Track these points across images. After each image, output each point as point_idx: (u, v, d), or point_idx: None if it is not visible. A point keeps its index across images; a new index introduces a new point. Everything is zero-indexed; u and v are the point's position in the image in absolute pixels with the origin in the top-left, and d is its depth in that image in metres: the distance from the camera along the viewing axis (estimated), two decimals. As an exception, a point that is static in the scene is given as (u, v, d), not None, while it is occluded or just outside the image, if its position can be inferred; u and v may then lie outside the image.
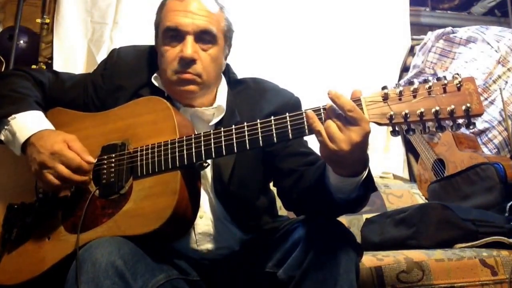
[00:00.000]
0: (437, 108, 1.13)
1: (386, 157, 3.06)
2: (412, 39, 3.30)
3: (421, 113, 1.14)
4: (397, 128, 1.20)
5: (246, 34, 2.97)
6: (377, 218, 2.35)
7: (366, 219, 2.43)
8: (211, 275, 1.47)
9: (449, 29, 3.13)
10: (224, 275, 1.47)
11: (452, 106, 1.13)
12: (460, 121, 1.15)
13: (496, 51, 2.88)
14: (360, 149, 1.21)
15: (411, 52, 3.28)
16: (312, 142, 1.35)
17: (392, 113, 1.17)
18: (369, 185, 1.33)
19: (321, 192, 1.34)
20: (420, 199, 2.77)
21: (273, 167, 1.53)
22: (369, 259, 1.71)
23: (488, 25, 3.18)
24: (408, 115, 1.15)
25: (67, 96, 1.60)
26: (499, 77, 2.85)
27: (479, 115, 1.13)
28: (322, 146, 1.19)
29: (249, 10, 3.06)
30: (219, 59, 1.53)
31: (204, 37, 1.47)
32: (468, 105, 1.12)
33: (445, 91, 1.14)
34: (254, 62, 2.87)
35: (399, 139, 3.12)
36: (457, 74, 1.15)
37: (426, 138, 3.05)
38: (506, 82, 2.84)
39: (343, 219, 2.49)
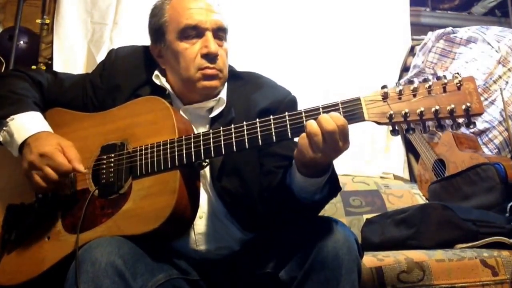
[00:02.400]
0: (437, 107, 1.14)
1: (386, 157, 3.05)
2: (413, 39, 3.29)
3: (421, 112, 1.14)
4: (396, 128, 1.20)
5: (247, 33, 2.97)
6: (378, 218, 2.34)
7: (367, 219, 2.43)
8: (211, 275, 1.47)
9: (449, 29, 3.12)
10: (225, 275, 1.47)
11: (452, 106, 1.13)
12: (460, 120, 1.15)
13: (496, 51, 2.88)
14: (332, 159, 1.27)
15: (411, 52, 3.27)
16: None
17: (391, 112, 1.17)
18: (335, 186, 1.38)
19: (285, 191, 1.37)
20: (421, 199, 2.77)
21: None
22: (369, 259, 1.70)
23: (488, 25, 3.18)
24: (408, 114, 1.16)
25: (65, 97, 1.60)
26: (500, 77, 2.84)
27: (479, 114, 1.13)
28: (303, 149, 1.22)
29: (250, 9, 3.05)
30: (228, 54, 1.56)
31: (219, 33, 1.51)
32: (468, 104, 1.12)
33: (445, 91, 1.15)
34: (254, 61, 2.86)
35: (399, 139, 3.11)
36: (457, 73, 1.15)
37: (427, 138, 3.05)
38: (507, 82, 2.83)
39: (343, 219, 2.50)
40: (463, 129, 2.89)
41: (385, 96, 1.19)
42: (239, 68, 1.72)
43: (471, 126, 1.14)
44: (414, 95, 1.16)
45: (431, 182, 2.73)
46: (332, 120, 1.19)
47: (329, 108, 1.23)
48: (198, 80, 1.48)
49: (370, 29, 3.20)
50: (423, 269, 1.69)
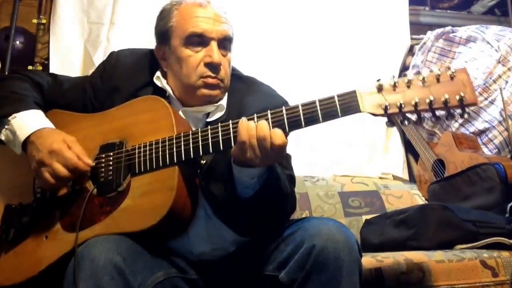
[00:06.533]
0: (431, 98, 1.16)
1: (385, 158, 3.04)
2: (412, 38, 3.28)
3: (416, 103, 1.17)
4: (392, 119, 1.22)
5: (247, 34, 2.95)
6: (377, 219, 2.34)
7: (366, 220, 2.43)
8: (209, 274, 1.47)
9: (448, 28, 3.11)
10: (222, 276, 1.46)
11: (446, 96, 1.15)
12: (455, 111, 1.18)
13: (496, 50, 2.87)
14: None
15: (411, 51, 3.25)
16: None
17: (387, 103, 1.20)
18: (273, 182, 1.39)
19: (232, 189, 1.39)
20: (420, 200, 2.76)
21: None
22: (369, 261, 1.69)
23: (488, 24, 3.16)
24: (402, 105, 1.18)
25: (65, 98, 1.62)
26: (499, 76, 2.83)
27: (473, 104, 1.16)
28: (241, 151, 1.27)
29: (250, 10, 3.04)
30: (231, 64, 1.57)
31: (225, 43, 1.52)
32: (462, 94, 1.15)
33: (438, 81, 1.17)
34: (253, 61, 2.85)
35: (398, 139, 3.11)
36: (449, 66, 1.18)
37: (426, 138, 3.04)
38: (507, 81, 2.82)
39: (342, 220, 2.49)
40: (462, 130, 2.89)
41: (380, 88, 1.21)
42: (239, 67, 1.72)
43: (465, 116, 1.17)
44: (408, 87, 1.19)
45: (430, 183, 2.72)
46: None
47: (326, 101, 1.26)
48: (199, 88, 1.49)
49: (369, 28, 3.19)
50: (422, 270, 1.68)
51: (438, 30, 3.12)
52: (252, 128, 1.27)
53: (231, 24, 1.56)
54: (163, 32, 1.56)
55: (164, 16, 1.57)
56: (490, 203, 2.27)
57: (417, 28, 3.38)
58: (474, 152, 2.67)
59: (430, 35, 3.14)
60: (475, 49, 2.97)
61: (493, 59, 2.86)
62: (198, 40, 1.49)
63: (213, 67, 1.48)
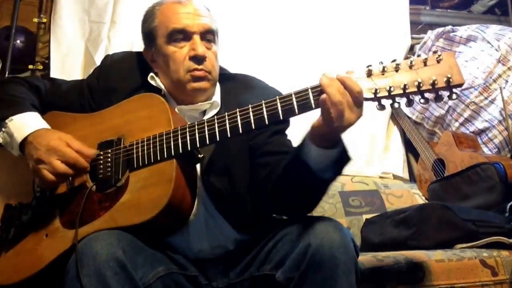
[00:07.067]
0: (419, 80, 1.19)
1: (386, 157, 3.04)
2: (412, 38, 3.28)
3: (404, 85, 1.20)
4: (382, 103, 1.25)
5: (244, 32, 2.96)
6: (377, 218, 2.34)
7: (366, 219, 2.43)
8: (208, 272, 1.47)
9: (449, 28, 3.11)
10: (221, 274, 1.47)
11: (434, 78, 1.18)
12: (443, 92, 1.20)
13: (496, 50, 2.87)
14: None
15: (411, 51, 3.26)
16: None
17: (376, 87, 1.22)
18: (341, 166, 1.36)
19: (294, 172, 1.36)
20: (420, 199, 2.76)
21: (252, 163, 1.54)
22: (369, 260, 1.69)
23: (488, 24, 3.16)
24: (392, 88, 1.21)
25: (63, 100, 1.63)
26: (500, 76, 2.83)
27: (460, 85, 1.18)
28: (327, 121, 1.23)
29: (249, 8, 3.04)
30: (218, 57, 1.58)
31: (208, 36, 1.55)
32: (449, 75, 1.17)
33: (425, 65, 1.20)
34: (252, 60, 2.86)
35: (398, 139, 3.11)
36: (436, 50, 1.21)
37: (426, 137, 3.04)
38: (507, 81, 2.82)
39: (342, 219, 2.49)
40: (463, 129, 2.89)
41: (369, 73, 1.24)
42: (236, 67, 1.73)
43: (453, 97, 1.19)
44: (397, 71, 1.22)
45: (430, 182, 2.72)
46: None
47: (317, 87, 1.26)
48: (187, 82, 1.51)
49: (369, 28, 3.19)
50: (422, 270, 1.68)
51: (439, 30, 3.12)
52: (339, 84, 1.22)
53: (213, 17, 1.59)
54: (148, 34, 1.60)
55: (147, 18, 1.61)
56: (490, 202, 2.27)
57: (418, 27, 3.39)
58: (474, 151, 2.67)
59: (431, 34, 3.14)
60: (475, 49, 2.97)
61: (493, 59, 2.86)
62: (181, 36, 1.52)
63: (198, 59, 1.50)
